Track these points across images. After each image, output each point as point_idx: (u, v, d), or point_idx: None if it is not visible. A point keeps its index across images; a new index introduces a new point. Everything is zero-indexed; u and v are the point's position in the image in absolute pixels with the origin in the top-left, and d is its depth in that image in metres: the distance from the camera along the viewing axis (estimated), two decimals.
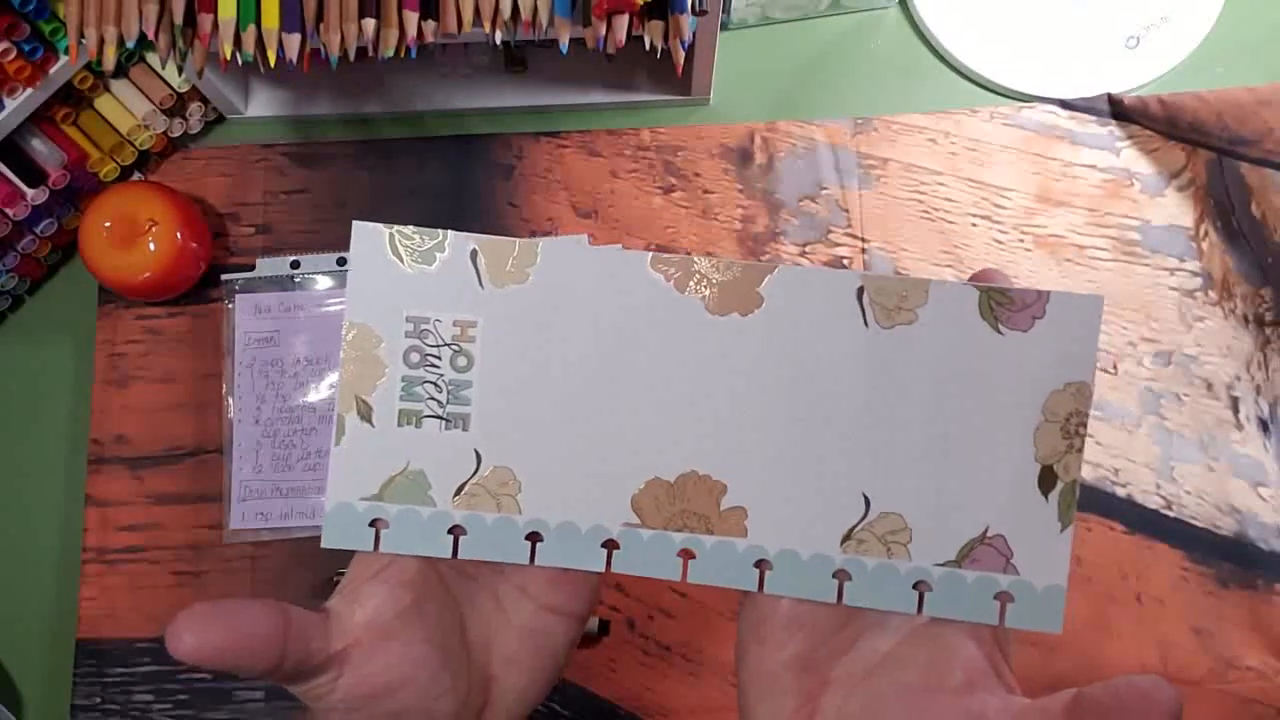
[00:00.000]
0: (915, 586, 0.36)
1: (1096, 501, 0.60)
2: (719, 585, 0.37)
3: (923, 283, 0.35)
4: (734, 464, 0.36)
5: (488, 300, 0.37)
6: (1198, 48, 0.65)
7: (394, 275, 0.37)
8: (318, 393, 0.62)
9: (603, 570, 0.37)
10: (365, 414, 0.37)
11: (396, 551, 0.37)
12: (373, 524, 0.37)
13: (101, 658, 0.60)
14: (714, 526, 0.37)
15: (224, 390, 0.63)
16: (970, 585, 0.35)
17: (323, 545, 0.37)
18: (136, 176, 0.65)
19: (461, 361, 0.37)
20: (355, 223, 0.36)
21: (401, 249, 0.37)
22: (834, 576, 0.36)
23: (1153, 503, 0.60)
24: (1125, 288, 0.62)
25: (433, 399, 0.37)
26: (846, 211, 0.64)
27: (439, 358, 0.37)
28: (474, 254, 0.37)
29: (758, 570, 0.36)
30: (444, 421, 0.37)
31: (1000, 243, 0.63)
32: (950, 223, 0.64)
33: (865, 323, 0.36)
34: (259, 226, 0.65)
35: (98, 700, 0.59)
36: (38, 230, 0.62)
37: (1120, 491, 0.60)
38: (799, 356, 0.36)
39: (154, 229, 0.60)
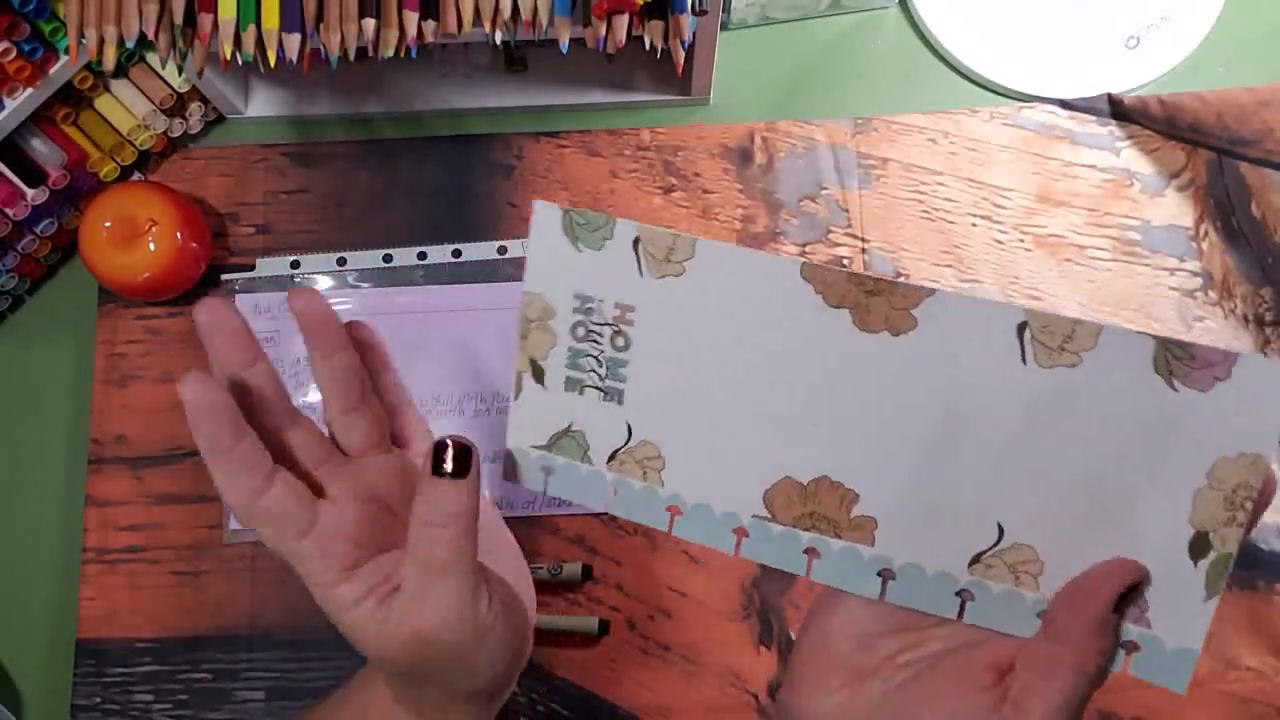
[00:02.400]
0: (1040, 615, 0.35)
1: None
2: (841, 587, 0.37)
3: (1094, 327, 0.34)
4: (868, 476, 0.37)
5: (646, 288, 0.39)
6: (1198, 48, 0.65)
7: (566, 254, 0.39)
8: (318, 393, 0.62)
9: (731, 554, 0.38)
10: (538, 376, 0.41)
11: (561, 495, 0.41)
12: (542, 469, 0.41)
13: (101, 658, 0.60)
14: (842, 531, 0.37)
15: None
16: None
17: (502, 479, 0.42)
18: (136, 176, 0.65)
19: (620, 341, 0.40)
20: (536, 201, 0.40)
21: (576, 229, 0.39)
22: (957, 595, 0.36)
23: None
24: (1125, 288, 0.62)
25: (593, 371, 0.40)
26: (846, 211, 0.64)
27: (601, 335, 0.40)
28: (636, 242, 0.39)
29: (880, 579, 0.37)
30: (602, 393, 0.40)
31: (1000, 243, 0.63)
32: (950, 223, 0.64)
33: (1024, 360, 0.35)
34: (259, 226, 0.65)
35: (98, 700, 0.59)
36: (38, 230, 0.62)
37: None
38: (949, 384, 0.36)
39: (154, 229, 0.60)
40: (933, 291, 0.35)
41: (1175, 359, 0.33)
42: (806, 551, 0.38)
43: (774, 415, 0.38)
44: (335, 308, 0.63)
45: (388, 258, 0.64)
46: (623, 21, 0.51)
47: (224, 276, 0.64)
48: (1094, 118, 0.65)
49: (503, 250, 0.64)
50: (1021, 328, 0.35)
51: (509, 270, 0.64)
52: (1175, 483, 0.33)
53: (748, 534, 0.38)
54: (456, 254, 0.64)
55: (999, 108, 0.65)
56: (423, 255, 0.64)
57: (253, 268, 0.64)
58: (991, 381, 0.35)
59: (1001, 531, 0.36)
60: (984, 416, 0.35)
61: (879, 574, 0.37)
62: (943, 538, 0.36)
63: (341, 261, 0.64)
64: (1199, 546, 0.33)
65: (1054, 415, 0.35)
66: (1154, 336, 0.33)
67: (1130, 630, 0.34)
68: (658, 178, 0.65)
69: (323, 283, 0.64)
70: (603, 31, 0.51)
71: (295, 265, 0.64)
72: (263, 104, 0.67)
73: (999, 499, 0.35)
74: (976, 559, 0.36)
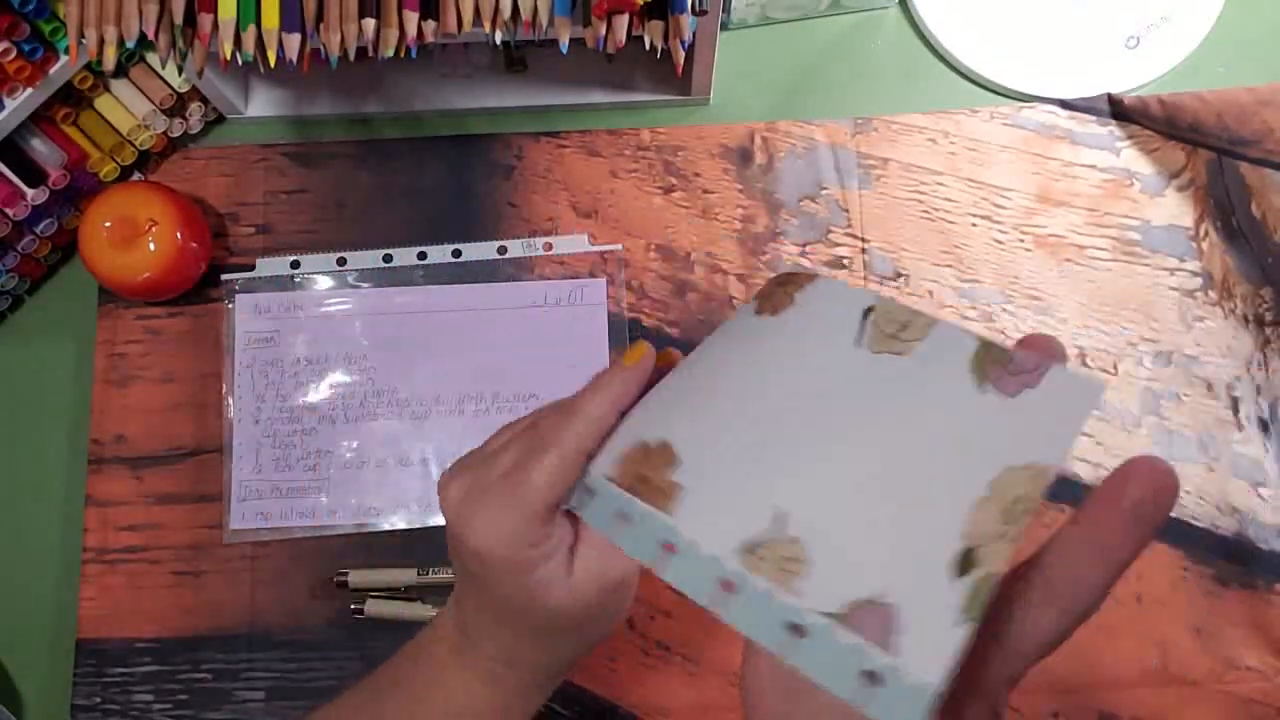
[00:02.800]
0: (791, 627, 0.30)
1: None
2: (632, 556, 0.34)
3: (928, 319, 0.33)
4: (691, 440, 0.35)
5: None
6: (1198, 48, 0.65)
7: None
8: (317, 393, 0.62)
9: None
10: None
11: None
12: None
13: (101, 658, 0.60)
14: (653, 495, 0.34)
15: (224, 390, 0.63)
16: (838, 648, 0.29)
17: None
18: (136, 176, 0.65)
19: None
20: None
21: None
22: (721, 586, 0.32)
23: None
24: (1125, 288, 0.62)
25: None
26: (846, 211, 0.64)
27: None
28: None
29: (664, 551, 0.33)
30: None
31: (1000, 243, 0.63)
32: (950, 223, 0.64)
33: (857, 342, 0.34)
34: (259, 226, 0.65)
35: (98, 700, 0.59)
36: (38, 230, 0.62)
37: None
38: (792, 360, 0.35)
39: (154, 229, 0.60)
40: (814, 277, 0.36)
41: (994, 361, 0.32)
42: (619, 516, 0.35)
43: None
44: (335, 307, 0.64)
45: (388, 258, 0.64)
46: (623, 21, 0.51)
47: (224, 276, 0.64)
48: (1094, 118, 0.65)
49: (503, 250, 0.64)
50: (867, 312, 0.35)
51: (509, 270, 0.64)
52: (956, 488, 0.30)
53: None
54: (456, 254, 0.64)
55: (999, 108, 0.65)
56: (423, 255, 0.64)
57: (253, 268, 0.64)
58: (822, 361, 0.34)
59: (774, 519, 0.32)
60: (799, 391, 0.34)
61: (663, 546, 0.33)
62: (724, 514, 0.32)
63: (341, 261, 0.64)
64: (964, 562, 0.28)
65: (864, 400, 0.33)
66: (979, 337, 0.32)
67: (873, 656, 0.28)
68: (658, 178, 0.65)
69: (323, 283, 0.64)
70: (603, 31, 0.51)
71: (295, 265, 0.64)
72: (263, 104, 0.67)
73: (783, 481, 0.32)
74: (748, 547, 0.31)
